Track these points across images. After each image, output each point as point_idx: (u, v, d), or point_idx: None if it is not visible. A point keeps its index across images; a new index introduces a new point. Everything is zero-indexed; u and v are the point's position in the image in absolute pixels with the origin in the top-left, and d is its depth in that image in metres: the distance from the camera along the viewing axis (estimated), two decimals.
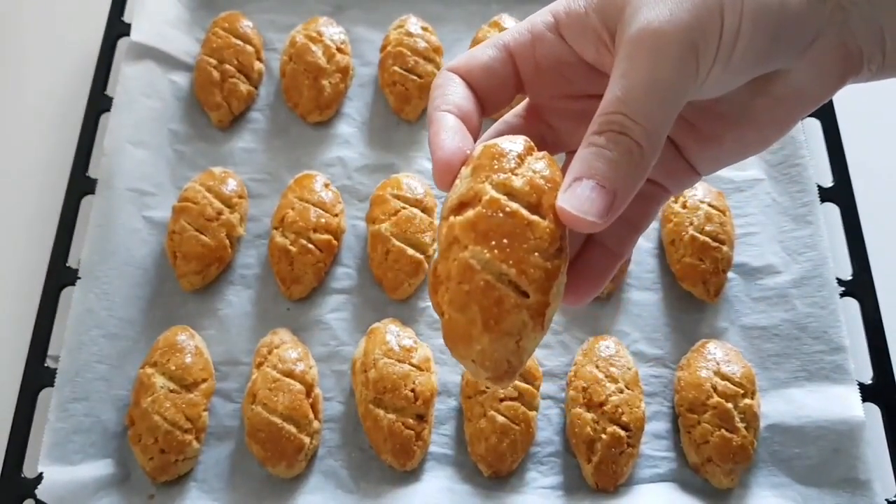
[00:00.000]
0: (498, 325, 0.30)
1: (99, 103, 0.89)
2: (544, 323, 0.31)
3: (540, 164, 0.32)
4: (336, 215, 0.83)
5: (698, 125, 0.36)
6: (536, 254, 0.30)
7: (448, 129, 0.33)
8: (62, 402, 0.73)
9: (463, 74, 0.36)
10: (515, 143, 0.33)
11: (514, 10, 0.96)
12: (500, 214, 0.30)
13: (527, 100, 0.39)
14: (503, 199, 0.31)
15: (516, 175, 0.31)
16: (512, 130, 0.38)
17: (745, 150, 0.37)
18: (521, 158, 0.32)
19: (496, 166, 0.31)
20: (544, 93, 0.38)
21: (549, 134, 0.39)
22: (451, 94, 0.35)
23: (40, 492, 0.67)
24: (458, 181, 0.32)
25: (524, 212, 0.30)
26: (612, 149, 0.29)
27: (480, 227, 0.30)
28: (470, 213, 0.31)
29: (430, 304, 0.81)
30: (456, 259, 0.30)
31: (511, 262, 0.30)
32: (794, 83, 0.33)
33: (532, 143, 0.33)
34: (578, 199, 0.29)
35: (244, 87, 0.91)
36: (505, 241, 0.30)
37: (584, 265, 0.36)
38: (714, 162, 0.37)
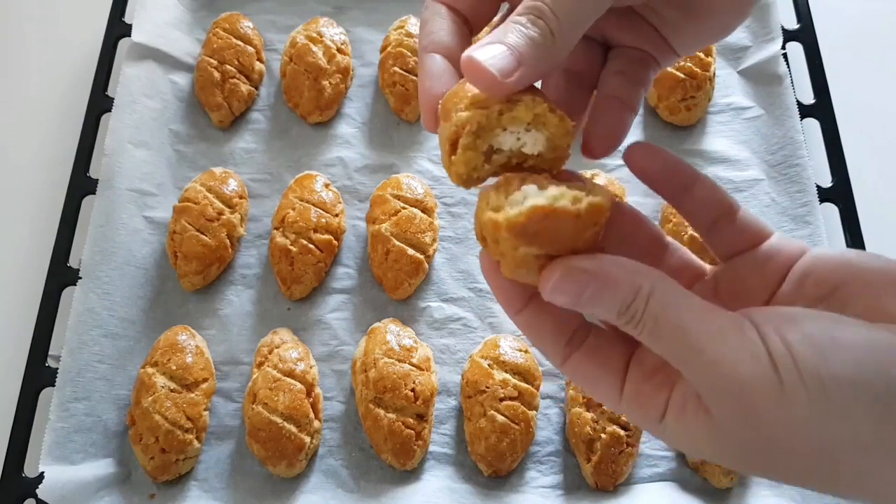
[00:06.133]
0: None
1: (100, 104, 0.89)
2: None
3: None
4: (336, 215, 0.83)
5: (663, 14, 0.38)
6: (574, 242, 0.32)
7: (433, 76, 0.34)
8: (63, 401, 0.73)
9: (447, 1, 0.36)
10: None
11: None
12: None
13: (507, 6, 0.40)
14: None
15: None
16: None
17: (709, 39, 0.39)
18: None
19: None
20: None
21: None
22: (435, 32, 0.35)
23: (41, 491, 0.67)
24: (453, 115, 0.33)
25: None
26: (528, 27, 0.31)
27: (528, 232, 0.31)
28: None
29: (429, 303, 0.82)
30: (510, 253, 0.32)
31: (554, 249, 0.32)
32: None
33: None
34: (487, 53, 0.30)
35: (245, 87, 0.91)
36: (550, 237, 0.31)
37: (601, 119, 0.38)
38: (687, 48, 0.39)
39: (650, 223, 0.39)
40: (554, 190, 0.30)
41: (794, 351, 0.28)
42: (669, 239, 0.39)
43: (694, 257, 0.39)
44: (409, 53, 0.90)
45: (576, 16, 0.31)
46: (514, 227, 0.30)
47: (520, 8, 0.32)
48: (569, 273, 0.30)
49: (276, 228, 0.82)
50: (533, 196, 0.30)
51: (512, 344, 0.76)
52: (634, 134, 0.91)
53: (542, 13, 0.31)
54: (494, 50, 0.30)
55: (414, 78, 0.90)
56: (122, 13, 0.95)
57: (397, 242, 0.80)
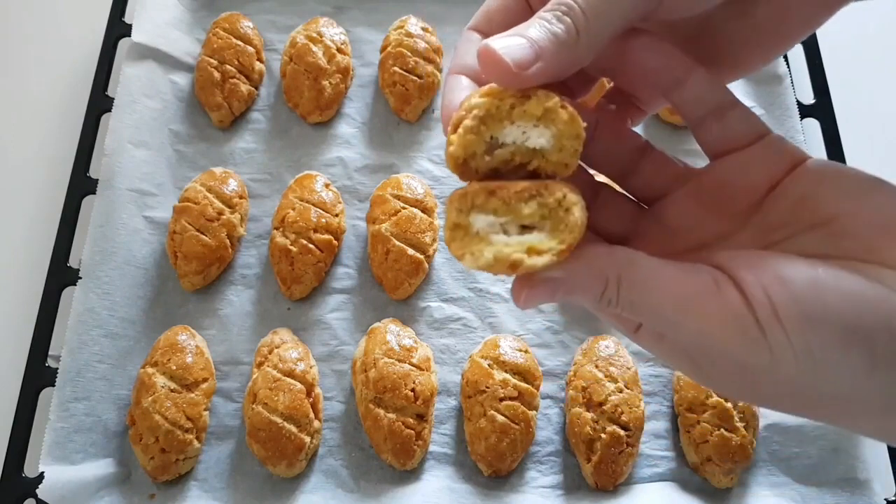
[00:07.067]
0: None
1: (100, 104, 0.89)
2: None
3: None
4: (336, 215, 0.83)
5: (712, 43, 0.37)
6: None
7: (453, 91, 0.34)
8: (63, 401, 0.73)
9: (482, 28, 0.36)
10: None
11: None
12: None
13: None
14: None
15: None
16: None
17: (747, 69, 0.38)
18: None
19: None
20: None
21: None
22: (462, 56, 0.35)
23: (41, 491, 0.67)
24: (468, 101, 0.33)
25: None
26: (553, 22, 0.30)
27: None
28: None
29: (429, 303, 0.82)
30: None
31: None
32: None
33: None
34: (504, 42, 0.30)
35: (245, 87, 0.91)
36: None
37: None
38: (749, 64, 0.38)
39: (631, 133, 0.38)
40: (489, 252, 0.30)
41: (782, 315, 0.28)
42: (651, 145, 0.38)
43: (674, 159, 0.38)
44: (408, 53, 0.90)
45: (607, 17, 0.30)
46: (454, 254, 0.31)
47: (550, 3, 0.31)
48: (534, 287, 0.31)
49: (276, 228, 0.82)
50: (470, 246, 0.30)
51: (512, 344, 0.76)
52: None
53: (571, 10, 0.30)
54: (513, 41, 0.30)
55: (414, 78, 0.90)
56: (122, 13, 0.95)
57: (397, 242, 0.80)
